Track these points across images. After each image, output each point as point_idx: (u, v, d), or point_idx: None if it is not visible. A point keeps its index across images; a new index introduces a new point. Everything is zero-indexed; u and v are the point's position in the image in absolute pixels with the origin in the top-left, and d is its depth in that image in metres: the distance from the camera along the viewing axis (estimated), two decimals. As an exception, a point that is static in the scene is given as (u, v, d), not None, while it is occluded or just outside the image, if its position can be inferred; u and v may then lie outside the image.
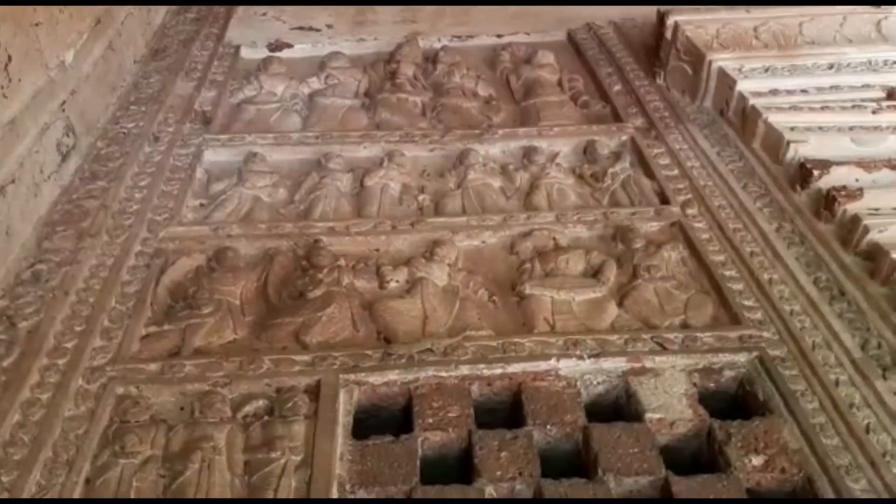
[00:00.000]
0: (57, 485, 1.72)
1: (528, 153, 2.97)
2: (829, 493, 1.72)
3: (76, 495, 1.72)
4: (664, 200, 2.69)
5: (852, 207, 2.36)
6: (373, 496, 1.78)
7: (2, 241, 2.26)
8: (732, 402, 2.06)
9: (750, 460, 1.82)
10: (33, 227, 2.44)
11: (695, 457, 1.94)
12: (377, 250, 2.52)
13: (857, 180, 2.48)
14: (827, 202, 2.42)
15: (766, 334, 2.12)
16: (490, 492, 1.79)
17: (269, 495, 1.73)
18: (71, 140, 2.75)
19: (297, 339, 2.16)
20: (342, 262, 2.41)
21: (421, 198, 2.77)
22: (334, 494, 1.74)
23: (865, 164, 2.53)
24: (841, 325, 2.10)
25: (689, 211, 2.61)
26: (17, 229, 2.35)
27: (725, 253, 2.42)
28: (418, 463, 1.84)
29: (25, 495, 1.69)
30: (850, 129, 2.73)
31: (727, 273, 2.34)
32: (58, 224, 2.48)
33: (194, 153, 2.94)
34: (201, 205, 2.74)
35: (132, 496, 1.73)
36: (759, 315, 2.18)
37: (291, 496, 1.73)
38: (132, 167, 2.80)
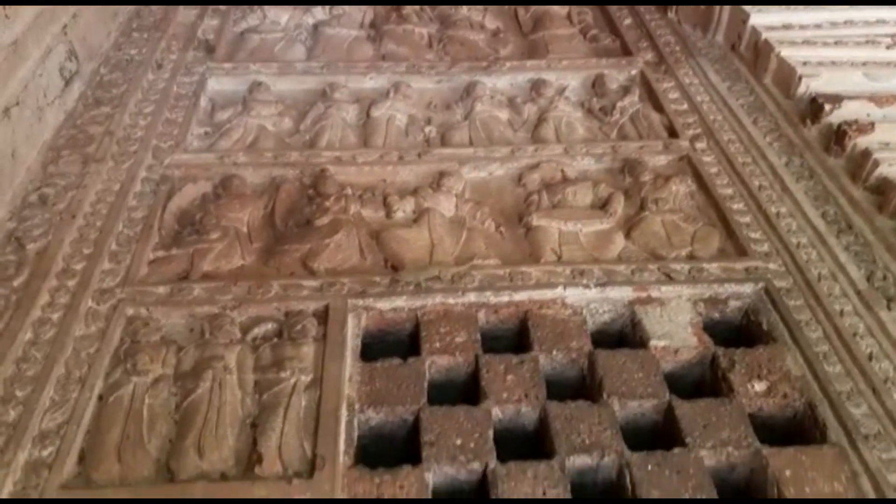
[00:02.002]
0: (70, 400, 1.75)
1: (536, 86, 2.94)
2: (831, 418, 1.76)
3: (89, 411, 1.75)
4: (673, 134, 2.67)
5: (863, 141, 2.35)
6: (381, 415, 1.81)
7: (8, 165, 2.25)
8: (737, 332, 2.08)
9: (752, 386, 1.85)
10: (38, 152, 2.42)
11: (698, 383, 1.96)
12: (384, 180, 2.51)
13: (868, 115, 2.46)
14: (837, 136, 2.40)
15: (772, 266, 2.13)
16: (496, 413, 1.81)
17: (280, 413, 1.75)
18: (73, 65, 2.71)
19: (304, 265, 2.17)
20: (349, 191, 2.40)
21: (427, 129, 2.75)
22: (344, 414, 1.77)
23: (878, 99, 2.51)
24: (847, 258, 2.11)
25: (698, 145, 2.60)
26: (23, 153, 2.33)
27: (733, 187, 2.41)
28: (426, 384, 1.86)
29: (39, 410, 1.71)
30: (864, 64, 2.69)
31: (735, 206, 2.34)
32: (63, 149, 2.47)
33: (198, 81, 2.91)
34: (206, 133, 2.72)
35: (145, 413, 1.76)
36: (765, 247, 2.19)
37: (301, 414, 1.76)
38: (136, 94, 2.78)
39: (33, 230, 2.14)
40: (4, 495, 1.55)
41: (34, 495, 1.56)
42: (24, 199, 2.26)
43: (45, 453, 1.64)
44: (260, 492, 1.59)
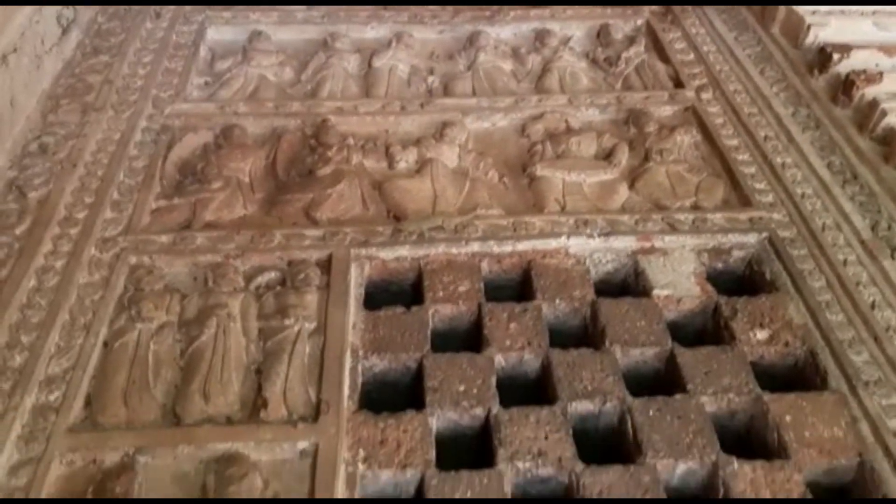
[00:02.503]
0: (75, 346, 1.76)
1: (540, 36, 2.89)
2: (832, 365, 1.76)
3: (94, 357, 1.76)
4: (679, 85, 2.64)
5: (871, 91, 2.32)
6: (385, 362, 1.82)
7: (7, 113, 2.23)
8: (739, 282, 2.09)
9: (755, 334, 1.86)
10: (37, 101, 2.40)
11: (700, 332, 1.97)
12: (386, 131, 2.49)
13: (877, 65, 2.43)
14: (845, 86, 2.38)
15: (776, 216, 2.12)
16: (499, 360, 1.83)
17: (285, 360, 1.76)
18: (70, 13, 2.67)
19: (307, 215, 2.16)
20: (351, 141, 2.38)
21: (430, 79, 2.72)
22: (348, 360, 1.78)
23: (887, 49, 2.47)
24: (852, 207, 2.10)
25: (704, 95, 2.57)
26: (22, 101, 2.31)
27: (739, 137, 2.39)
28: (429, 332, 1.87)
29: (45, 356, 1.72)
30: (873, 13, 2.64)
31: (740, 157, 2.32)
32: (62, 98, 2.45)
33: (197, 30, 2.86)
34: (206, 83, 2.69)
35: (150, 359, 1.77)
36: (770, 198, 2.18)
37: (306, 361, 1.77)
38: (134, 43, 2.74)
39: (34, 179, 2.13)
40: (13, 438, 1.57)
41: (42, 438, 1.58)
42: (24, 148, 2.25)
43: (51, 398, 1.65)
44: (266, 435, 1.61)
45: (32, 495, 1.49)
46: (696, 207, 2.18)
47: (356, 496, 1.55)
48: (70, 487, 1.53)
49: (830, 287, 1.92)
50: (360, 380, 1.78)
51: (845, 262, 1.96)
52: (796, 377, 1.83)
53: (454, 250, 2.06)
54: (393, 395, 1.82)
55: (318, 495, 1.52)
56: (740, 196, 2.21)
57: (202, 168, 2.28)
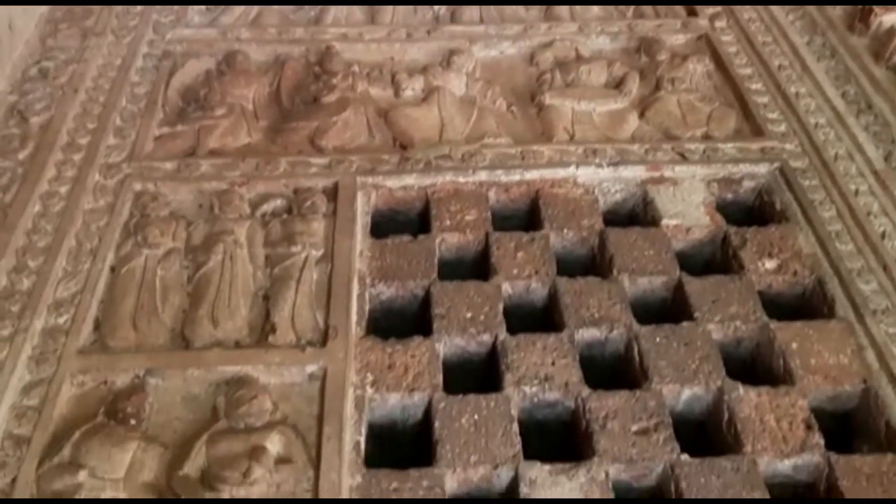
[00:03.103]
0: (83, 271, 1.76)
1: (550, -38, 2.81)
2: (840, 294, 1.76)
3: (102, 282, 1.76)
4: (692, 13, 2.58)
5: (889, 19, 2.27)
6: (392, 290, 1.82)
7: (6, 37, 2.19)
8: (749, 213, 2.07)
9: (763, 264, 1.85)
10: (35, 25, 2.36)
11: (708, 262, 1.97)
12: (392, 58, 2.44)
13: (896, -8, 2.36)
14: (862, 14, 2.32)
15: (788, 146, 2.09)
16: (506, 288, 1.82)
17: (292, 286, 1.76)
18: (67, -66, 2.59)
19: (311, 143, 2.13)
20: (356, 68, 2.34)
21: (436, 7, 2.65)
22: (355, 287, 1.78)
23: (907, -25, 2.40)
24: (865, 137, 2.07)
25: (718, 24, 2.51)
26: (19, 25, 2.26)
27: (753, 66, 2.35)
28: (436, 261, 1.87)
29: (52, 280, 1.73)
30: (895, -63, 2.56)
31: (753, 86, 2.28)
32: (60, 22, 2.40)
33: (197, -47, 2.78)
34: (207, 8, 2.62)
35: (157, 284, 1.77)
36: (782, 128, 2.15)
37: (313, 287, 1.77)
38: (133, -35, 2.67)
39: (35, 104, 2.11)
40: (23, 359, 1.58)
41: (52, 360, 1.59)
42: (24, 73, 2.22)
43: (60, 321, 1.66)
44: (274, 359, 1.62)
45: (45, 415, 1.51)
46: (707, 137, 2.15)
47: (365, 419, 1.57)
48: (82, 408, 1.55)
49: (841, 217, 1.91)
50: (367, 307, 1.78)
51: (857, 192, 1.94)
52: (804, 306, 1.83)
53: (461, 179, 2.04)
54: (400, 323, 1.82)
55: (328, 418, 1.53)
56: (752, 126, 2.18)
57: (205, 95, 2.25)
